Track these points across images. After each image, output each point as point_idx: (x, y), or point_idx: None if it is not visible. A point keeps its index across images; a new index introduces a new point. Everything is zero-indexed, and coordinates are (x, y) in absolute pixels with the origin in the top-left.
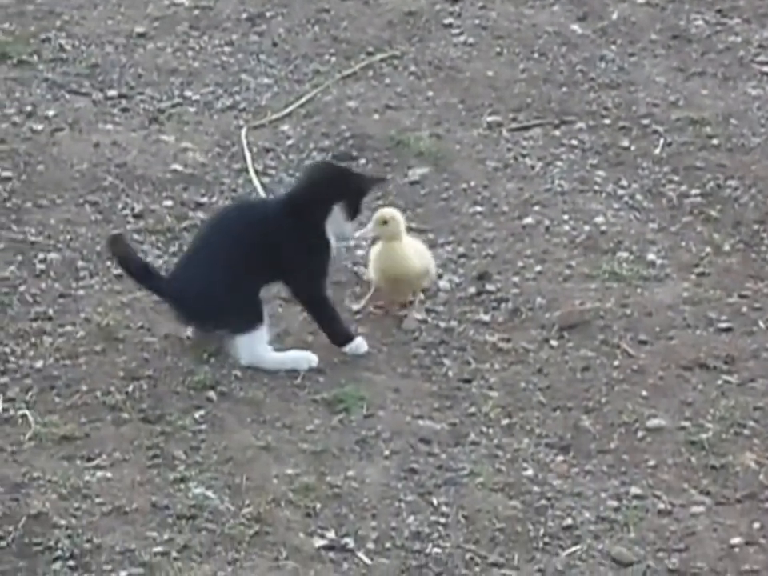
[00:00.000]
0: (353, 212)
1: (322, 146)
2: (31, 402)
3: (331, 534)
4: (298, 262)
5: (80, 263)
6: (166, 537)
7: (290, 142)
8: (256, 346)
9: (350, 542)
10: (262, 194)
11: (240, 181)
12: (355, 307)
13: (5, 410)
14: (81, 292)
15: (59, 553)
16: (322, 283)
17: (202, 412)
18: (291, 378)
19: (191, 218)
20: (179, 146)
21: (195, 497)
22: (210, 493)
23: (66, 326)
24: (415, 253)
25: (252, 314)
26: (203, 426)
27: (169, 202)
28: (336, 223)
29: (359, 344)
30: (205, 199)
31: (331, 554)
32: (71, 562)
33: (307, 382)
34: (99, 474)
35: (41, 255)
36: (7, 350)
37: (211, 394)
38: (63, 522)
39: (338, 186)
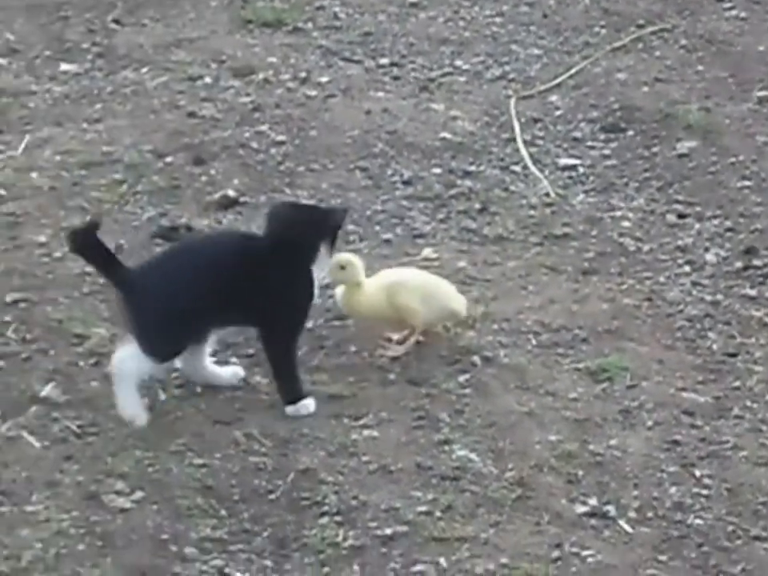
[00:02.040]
0: (333, 248)
1: (590, 117)
2: (301, 360)
3: (593, 501)
4: (283, 309)
5: (350, 227)
6: (429, 497)
7: (558, 113)
8: (138, 370)
9: (611, 509)
10: (530, 164)
11: (508, 150)
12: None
13: None
14: None
15: (326, 508)
16: (298, 334)
17: (466, 376)
18: (555, 346)
19: (459, 185)
20: (448, 115)
21: (459, 459)
22: (473, 455)
23: (334, 288)
24: (379, 294)
25: (172, 348)
26: (467, 390)
27: (437, 170)
28: (321, 263)
29: (307, 404)
30: (473, 168)
31: (593, 521)
32: (338, 518)
33: (570, 350)
34: (366, 432)
35: None
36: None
37: (475, 358)
38: (330, 479)
39: (322, 225)
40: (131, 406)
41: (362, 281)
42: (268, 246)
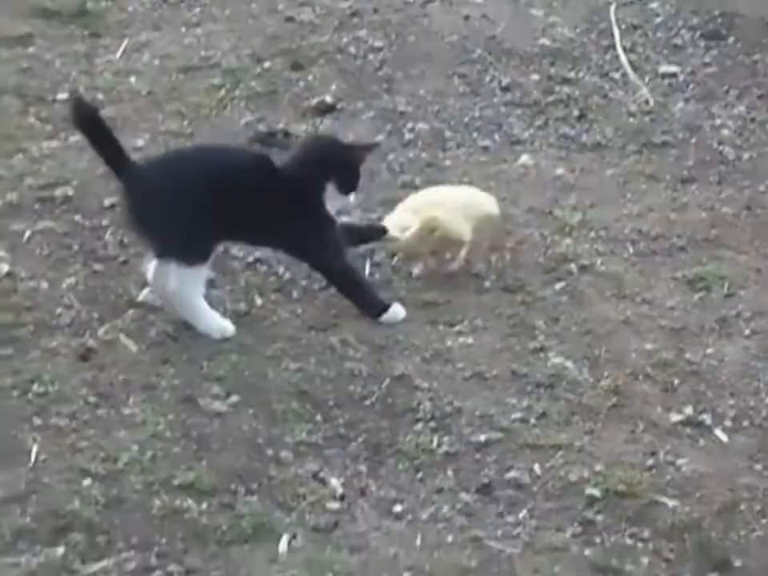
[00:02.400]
0: (348, 186)
1: (691, 24)
2: (397, 266)
3: (688, 410)
4: (305, 237)
5: (447, 133)
6: (524, 404)
7: (658, 19)
8: (187, 284)
9: (707, 418)
10: (629, 72)
11: (607, 57)
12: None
13: (371, 273)
14: (447, 162)
15: (420, 414)
16: (338, 254)
17: (562, 284)
18: (653, 254)
19: (557, 92)
20: (547, 21)
21: (554, 366)
22: (568, 363)
23: None
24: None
25: (198, 251)
26: (563, 298)
27: (536, 76)
28: (333, 199)
29: (396, 311)
30: (572, 74)
31: (688, 430)
32: (432, 424)
33: (668, 259)
34: (461, 339)
35: (409, 125)
36: (375, 216)
37: (572, 266)
38: (425, 385)
39: (328, 164)
40: (210, 322)
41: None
42: (280, 172)
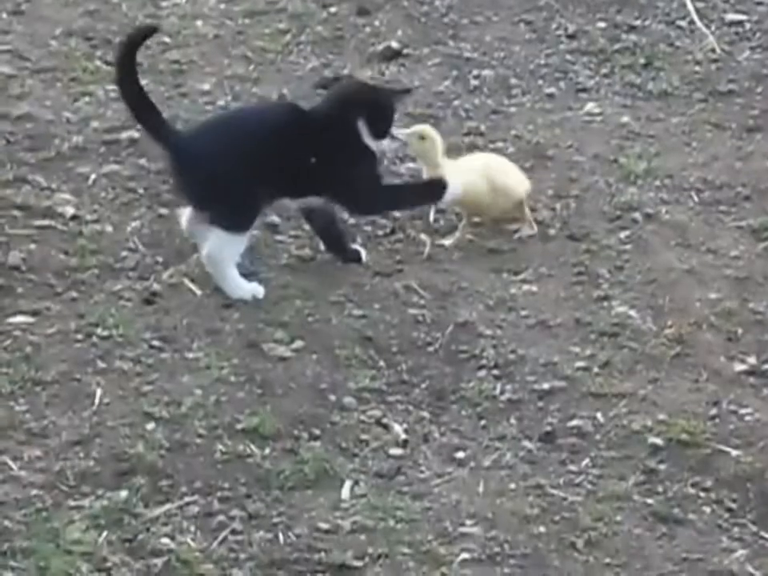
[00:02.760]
0: (379, 129)
1: None
2: (462, 215)
3: (752, 360)
4: (347, 176)
5: (513, 81)
6: (588, 352)
7: None
8: (226, 250)
9: None
10: (696, 19)
11: (674, 5)
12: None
13: (435, 220)
14: (512, 109)
15: (484, 362)
16: (379, 183)
17: (627, 232)
18: (717, 203)
19: (624, 40)
20: None
21: (618, 315)
22: (632, 312)
23: (496, 141)
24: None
25: (244, 217)
26: (628, 247)
27: (602, 24)
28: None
29: (454, 186)
30: (638, 22)
31: (751, 379)
32: (495, 371)
33: (733, 208)
34: (525, 287)
35: (475, 71)
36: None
37: (637, 215)
38: (489, 332)
39: (356, 104)
40: (240, 288)
41: (440, 161)
42: (311, 117)
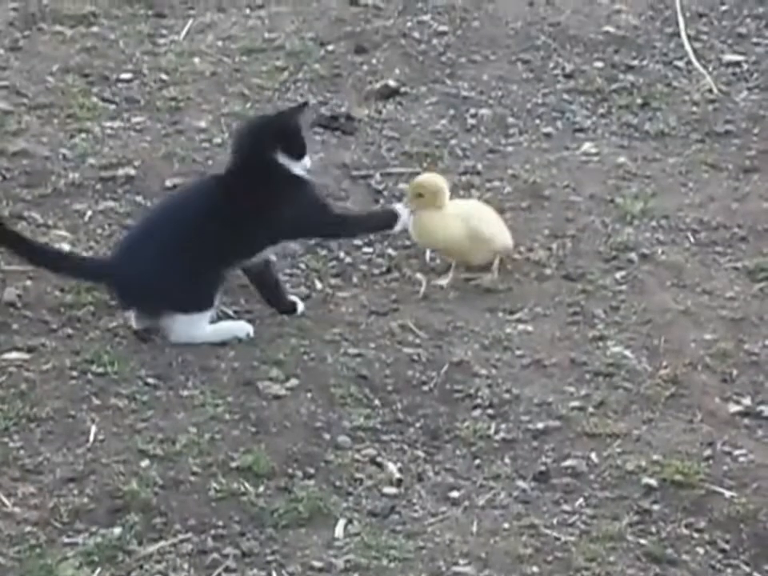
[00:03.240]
0: (296, 150)
1: (756, 12)
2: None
3: (747, 401)
4: (292, 212)
5: (510, 120)
6: (582, 392)
7: (723, 7)
8: (194, 329)
9: (765, 409)
10: (693, 60)
11: (672, 45)
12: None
13: (432, 259)
14: (509, 148)
15: (479, 401)
16: (324, 207)
17: (623, 273)
18: (713, 244)
19: (621, 80)
20: (612, 8)
21: (613, 355)
22: (627, 352)
23: (493, 180)
24: (456, 220)
25: (204, 297)
26: (623, 287)
27: (599, 64)
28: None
29: (401, 212)
30: (636, 62)
31: (746, 420)
32: (490, 411)
33: (729, 249)
34: (520, 327)
35: (472, 110)
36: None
37: (633, 255)
38: (484, 372)
39: (266, 140)
40: (228, 331)
41: (444, 202)
42: (232, 174)
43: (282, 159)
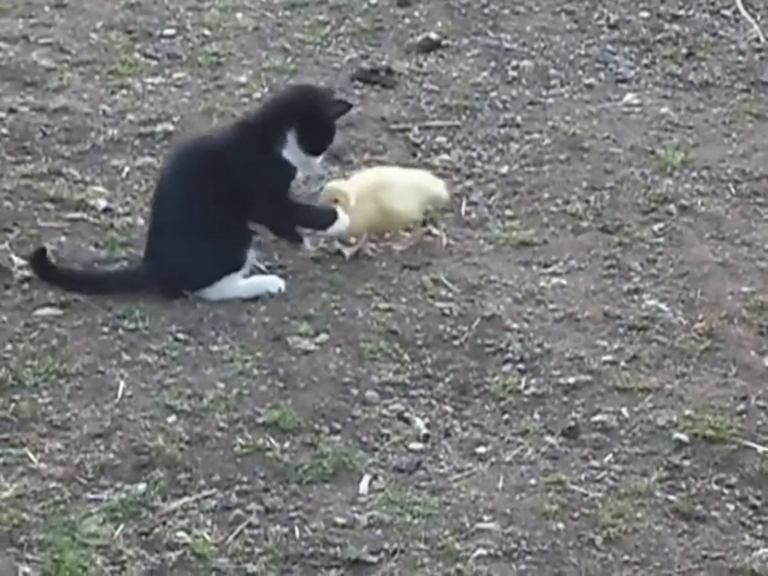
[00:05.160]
0: (311, 144)
1: None
2: (493, 206)
3: None
4: (257, 191)
5: (552, 71)
6: (615, 346)
7: None
8: (227, 287)
9: None
10: (741, 9)
11: None
12: (347, 253)
13: (467, 212)
14: (550, 100)
15: (509, 355)
16: (286, 203)
17: (660, 225)
18: (755, 195)
19: (666, 30)
20: None
21: (648, 308)
22: (663, 305)
23: (533, 133)
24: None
25: (233, 259)
26: (661, 239)
27: (645, 13)
28: (294, 154)
29: (341, 220)
30: (682, 11)
31: None
32: (521, 365)
33: None
34: (554, 280)
35: (514, 62)
36: (474, 154)
37: (671, 207)
38: (515, 326)
39: (290, 111)
40: (259, 287)
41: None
42: (239, 132)
43: (291, 141)
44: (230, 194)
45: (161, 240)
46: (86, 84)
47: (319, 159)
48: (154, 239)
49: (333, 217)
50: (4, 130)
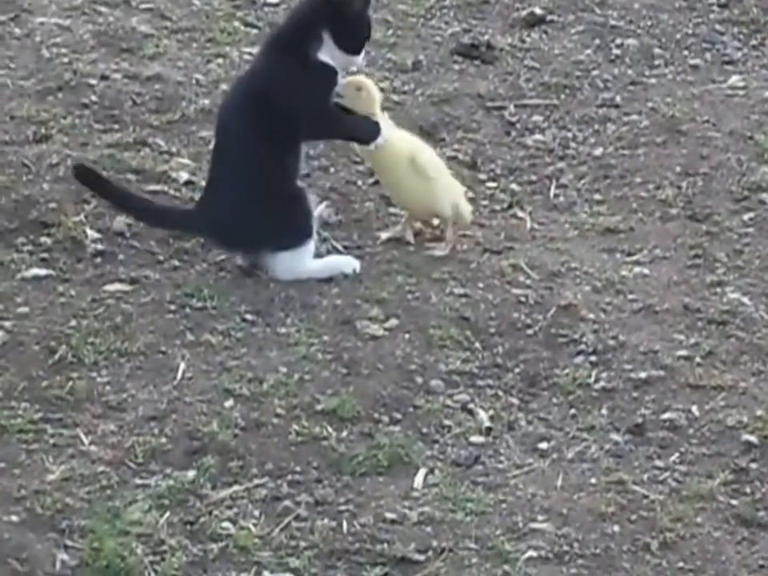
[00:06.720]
0: (348, 42)
1: None
2: (582, 190)
3: None
4: (302, 101)
5: (656, 50)
6: (692, 341)
7: None
8: (297, 264)
9: None
10: None
11: None
12: (384, 236)
13: (555, 195)
14: (652, 80)
15: (582, 347)
16: (329, 110)
17: (751, 214)
18: None
19: None
20: None
21: (730, 302)
22: (745, 299)
23: (631, 114)
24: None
25: (301, 227)
26: (750, 230)
27: None
28: (332, 55)
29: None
30: None
31: None
32: (593, 358)
33: None
34: (636, 269)
35: (618, 40)
36: (569, 134)
37: (765, 196)
38: (591, 316)
39: (322, 11)
40: (333, 268)
41: (376, 113)
42: (272, 45)
43: (328, 42)
44: (282, 119)
45: (219, 193)
46: (182, 52)
47: (360, 58)
48: (212, 191)
49: (377, 129)
50: (94, 98)
